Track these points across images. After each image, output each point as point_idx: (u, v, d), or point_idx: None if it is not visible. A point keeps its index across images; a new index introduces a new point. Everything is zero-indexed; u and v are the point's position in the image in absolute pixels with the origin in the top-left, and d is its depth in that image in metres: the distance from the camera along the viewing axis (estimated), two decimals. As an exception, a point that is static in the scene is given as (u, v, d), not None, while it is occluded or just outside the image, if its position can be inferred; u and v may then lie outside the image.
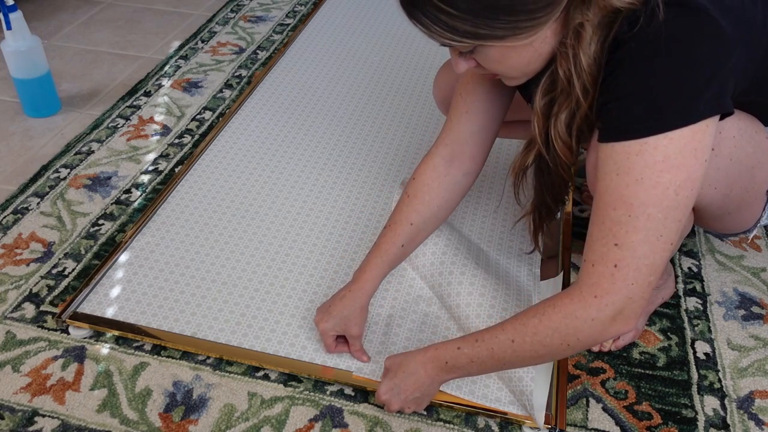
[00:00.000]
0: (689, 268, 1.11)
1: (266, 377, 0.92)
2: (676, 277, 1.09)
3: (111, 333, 0.97)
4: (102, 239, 1.14)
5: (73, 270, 1.08)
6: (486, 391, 0.89)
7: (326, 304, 0.94)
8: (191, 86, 1.57)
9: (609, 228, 0.68)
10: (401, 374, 0.82)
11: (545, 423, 0.86)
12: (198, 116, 1.46)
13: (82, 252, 1.11)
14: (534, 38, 0.68)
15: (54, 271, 1.08)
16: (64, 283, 1.06)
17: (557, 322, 0.71)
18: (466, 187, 0.96)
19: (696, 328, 1.02)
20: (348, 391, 0.91)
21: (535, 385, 0.87)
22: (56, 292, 1.04)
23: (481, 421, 0.88)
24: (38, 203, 1.21)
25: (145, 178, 1.28)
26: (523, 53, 0.70)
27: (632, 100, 0.67)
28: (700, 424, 0.89)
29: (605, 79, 0.69)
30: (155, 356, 0.95)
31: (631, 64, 0.66)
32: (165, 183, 1.26)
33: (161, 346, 0.96)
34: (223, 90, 1.56)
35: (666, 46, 0.64)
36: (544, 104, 0.77)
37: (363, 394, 0.91)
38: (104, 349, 0.96)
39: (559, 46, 0.70)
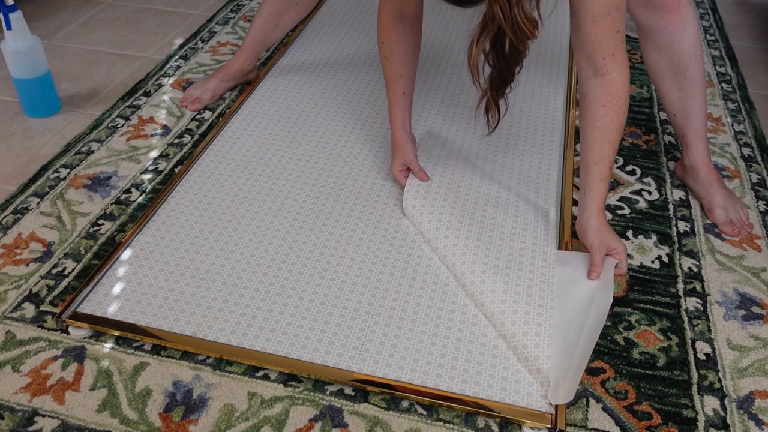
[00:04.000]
0: (689, 268, 1.11)
1: (266, 377, 0.92)
2: (676, 277, 1.10)
3: (111, 333, 0.97)
4: (102, 239, 1.14)
5: (73, 270, 1.08)
6: (489, 392, 0.89)
7: (392, 166, 1.23)
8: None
9: (611, 24, 0.93)
10: (603, 234, 1.04)
11: (545, 424, 0.86)
12: (198, 116, 1.46)
13: (82, 252, 1.11)
14: None
15: (54, 271, 1.08)
16: (64, 283, 1.06)
17: (615, 109, 0.99)
18: (419, 30, 1.16)
19: (696, 328, 1.02)
20: (348, 391, 0.91)
21: (551, 367, 0.91)
22: (56, 292, 1.04)
23: (481, 421, 0.88)
24: (38, 203, 1.21)
25: (145, 177, 1.28)
26: None
27: None
28: (700, 424, 0.89)
29: None
30: (155, 356, 0.95)
31: None
32: (165, 183, 1.26)
33: (161, 346, 0.96)
34: (223, 90, 1.56)
35: None
36: None
37: (363, 393, 0.91)
38: (104, 349, 0.96)
39: None
